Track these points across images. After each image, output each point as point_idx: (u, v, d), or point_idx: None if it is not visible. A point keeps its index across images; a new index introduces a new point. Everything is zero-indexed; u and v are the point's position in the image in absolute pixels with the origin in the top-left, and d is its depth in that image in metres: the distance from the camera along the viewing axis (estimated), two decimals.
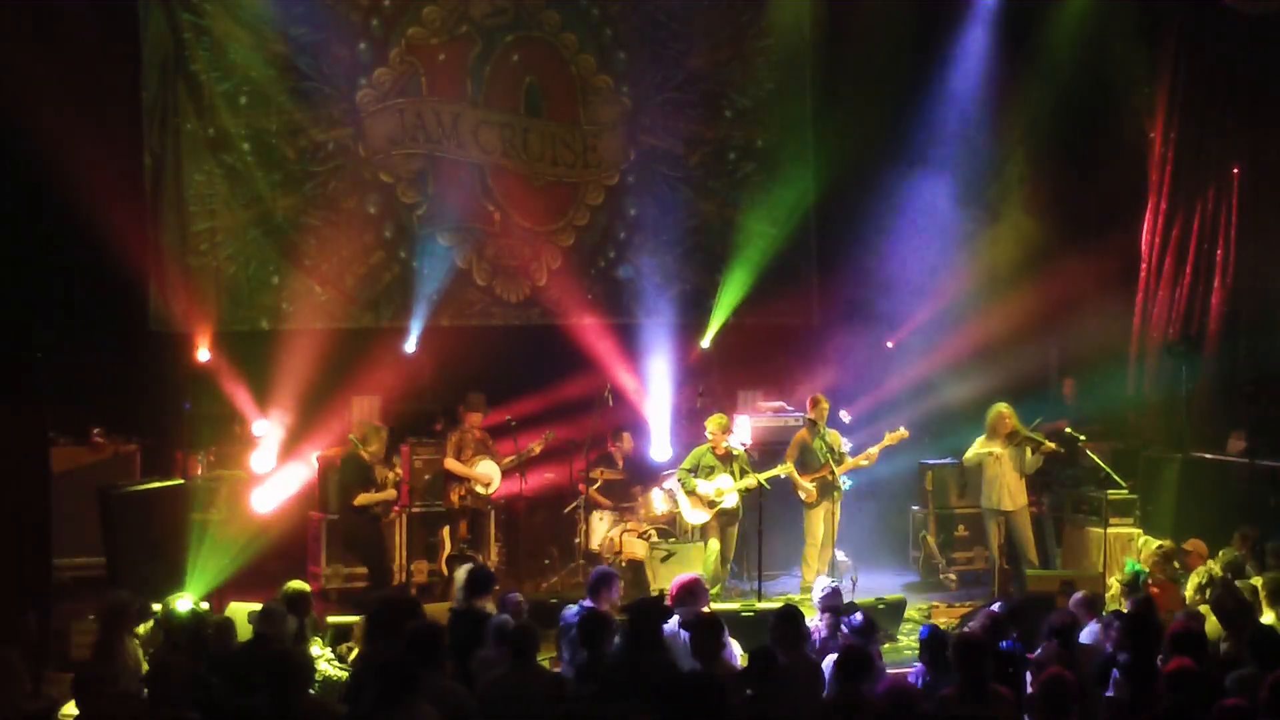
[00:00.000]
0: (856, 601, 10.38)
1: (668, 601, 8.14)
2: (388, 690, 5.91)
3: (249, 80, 12.67)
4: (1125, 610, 7.72)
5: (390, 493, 10.97)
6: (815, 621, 8.26)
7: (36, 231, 11.41)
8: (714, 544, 11.47)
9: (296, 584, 8.37)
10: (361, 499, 10.75)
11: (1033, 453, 11.37)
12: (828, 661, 6.96)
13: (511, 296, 13.80)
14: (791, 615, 7.19)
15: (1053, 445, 11.32)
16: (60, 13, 11.56)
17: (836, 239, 14.23)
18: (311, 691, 6.56)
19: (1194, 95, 13.13)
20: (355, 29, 13.09)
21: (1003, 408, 11.48)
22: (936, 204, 13.81)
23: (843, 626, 7.98)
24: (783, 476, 11.66)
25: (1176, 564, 9.71)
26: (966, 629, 8.52)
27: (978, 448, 11.55)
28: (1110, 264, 13.45)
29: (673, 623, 7.61)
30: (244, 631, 7.97)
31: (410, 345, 13.20)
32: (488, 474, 11.59)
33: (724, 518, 11.56)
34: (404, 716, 5.85)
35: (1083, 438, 11.77)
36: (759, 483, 11.26)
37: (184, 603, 8.31)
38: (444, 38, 13.38)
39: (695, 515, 11.56)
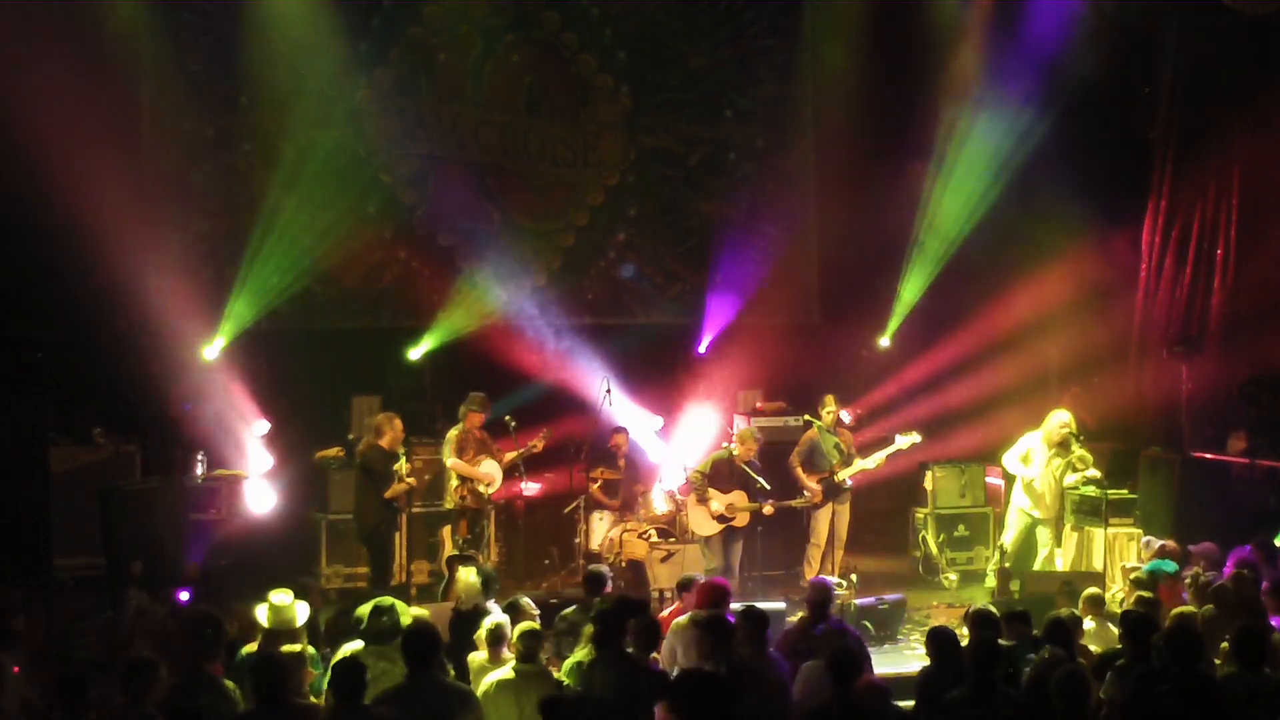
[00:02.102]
0: (858, 602, 10.43)
1: (696, 604, 8.18)
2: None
3: (249, 80, 12.67)
4: (1130, 610, 7.71)
5: (410, 481, 10.92)
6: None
7: (37, 231, 11.39)
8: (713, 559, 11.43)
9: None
10: (390, 491, 10.69)
11: (1074, 471, 11.40)
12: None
13: (512, 296, 13.79)
14: (755, 616, 7.25)
15: (1099, 474, 11.35)
16: (60, 12, 11.55)
17: (837, 238, 14.20)
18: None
19: (1194, 95, 13.13)
20: (355, 29, 13.08)
21: (1065, 417, 11.48)
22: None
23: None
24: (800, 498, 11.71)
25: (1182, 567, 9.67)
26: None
27: (1030, 453, 11.52)
28: (1110, 264, 13.43)
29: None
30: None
31: (415, 348, 13.18)
32: (490, 473, 11.56)
33: (731, 532, 11.53)
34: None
35: (1081, 437, 11.77)
36: (772, 507, 11.35)
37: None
38: (444, 38, 13.38)
39: (704, 526, 11.48)
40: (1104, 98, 13.56)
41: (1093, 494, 11.97)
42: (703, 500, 11.42)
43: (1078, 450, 11.39)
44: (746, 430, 11.71)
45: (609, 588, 8.66)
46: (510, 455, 11.59)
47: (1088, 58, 13.18)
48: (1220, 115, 13.06)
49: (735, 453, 11.52)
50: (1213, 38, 12.95)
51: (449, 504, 11.56)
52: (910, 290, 13.94)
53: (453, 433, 11.49)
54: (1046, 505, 11.51)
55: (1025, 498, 11.57)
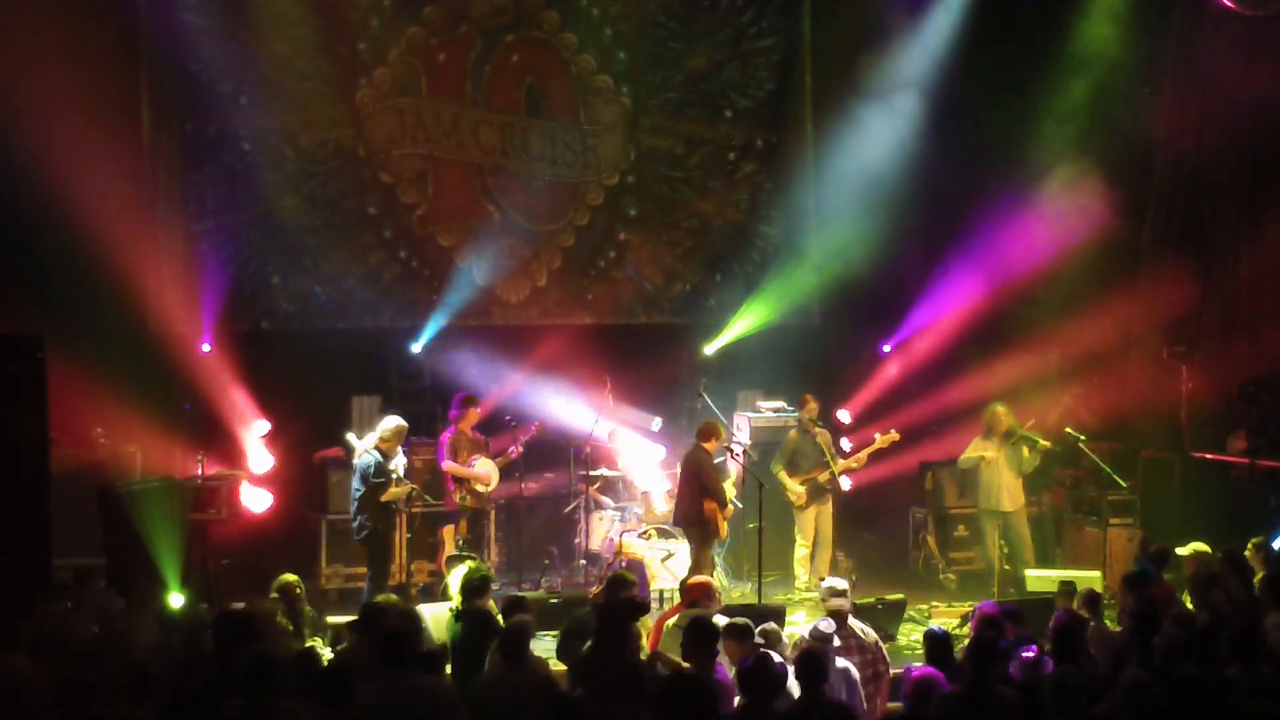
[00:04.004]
0: (858, 602, 10.42)
1: (681, 603, 8.18)
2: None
3: (249, 80, 12.67)
4: (1128, 610, 7.71)
5: (408, 485, 10.94)
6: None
7: (37, 231, 11.39)
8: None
9: (285, 576, 8.45)
10: (387, 495, 10.70)
11: (1029, 451, 11.44)
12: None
13: (511, 296, 13.80)
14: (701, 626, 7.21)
15: (1049, 443, 11.39)
16: (60, 13, 11.56)
17: (837, 238, 14.19)
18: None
19: (1194, 95, 13.13)
20: (355, 29, 13.08)
21: (998, 407, 11.60)
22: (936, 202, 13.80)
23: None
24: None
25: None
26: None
27: (971, 450, 11.62)
28: (1111, 264, 13.42)
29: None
30: None
31: (416, 346, 13.20)
32: (487, 473, 11.55)
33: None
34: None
35: (1083, 438, 11.78)
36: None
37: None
38: (444, 38, 13.37)
39: (723, 527, 11.43)
40: (1105, 97, 13.57)
41: (1093, 494, 12.00)
42: (724, 504, 11.38)
43: (1021, 431, 11.43)
44: (716, 423, 11.59)
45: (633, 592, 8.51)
46: (502, 454, 11.58)
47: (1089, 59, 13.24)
48: (1220, 115, 13.07)
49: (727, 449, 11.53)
50: (1213, 38, 12.95)
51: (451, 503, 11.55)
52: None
53: (445, 436, 11.50)
54: (1011, 498, 11.53)
55: (989, 499, 11.60)
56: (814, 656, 6.53)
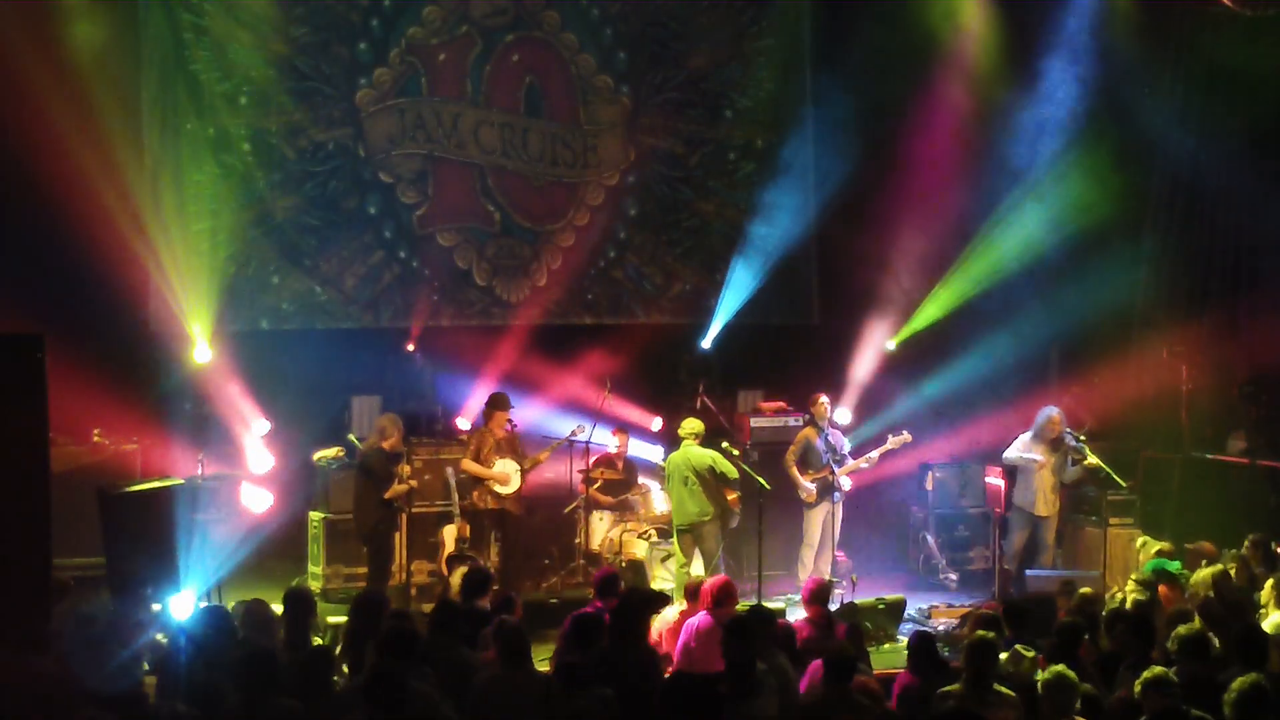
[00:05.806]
0: (858, 602, 10.45)
1: (708, 604, 8.19)
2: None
3: (249, 80, 12.68)
4: (1130, 610, 7.72)
5: (412, 483, 10.93)
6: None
7: (37, 231, 11.39)
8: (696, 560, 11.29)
9: (295, 583, 8.44)
10: (390, 493, 10.70)
11: (1073, 464, 11.38)
12: None
13: (511, 296, 13.80)
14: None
15: (1097, 461, 11.29)
16: (60, 12, 11.55)
17: (837, 238, 14.20)
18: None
19: (1194, 96, 13.12)
20: (355, 29, 13.09)
21: (1054, 412, 11.45)
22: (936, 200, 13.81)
23: None
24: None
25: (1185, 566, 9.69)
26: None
27: (1021, 449, 11.50)
28: (1111, 263, 13.42)
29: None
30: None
31: (410, 345, 13.20)
32: (505, 473, 11.39)
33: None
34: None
35: (1082, 437, 11.77)
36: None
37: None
38: (444, 38, 13.38)
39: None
40: (1105, 99, 13.57)
41: (1093, 494, 11.97)
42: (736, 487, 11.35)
43: (1072, 442, 11.38)
44: (694, 419, 11.55)
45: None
46: (531, 457, 11.54)
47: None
48: (1220, 116, 13.06)
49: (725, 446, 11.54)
50: (1212, 38, 12.94)
51: (469, 506, 11.46)
52: (939, 302, 13.85)
53: (474, 434, 11.47)
54: (1047, 503, 11.50)
55: (1025, 497, 11.56)
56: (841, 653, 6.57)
